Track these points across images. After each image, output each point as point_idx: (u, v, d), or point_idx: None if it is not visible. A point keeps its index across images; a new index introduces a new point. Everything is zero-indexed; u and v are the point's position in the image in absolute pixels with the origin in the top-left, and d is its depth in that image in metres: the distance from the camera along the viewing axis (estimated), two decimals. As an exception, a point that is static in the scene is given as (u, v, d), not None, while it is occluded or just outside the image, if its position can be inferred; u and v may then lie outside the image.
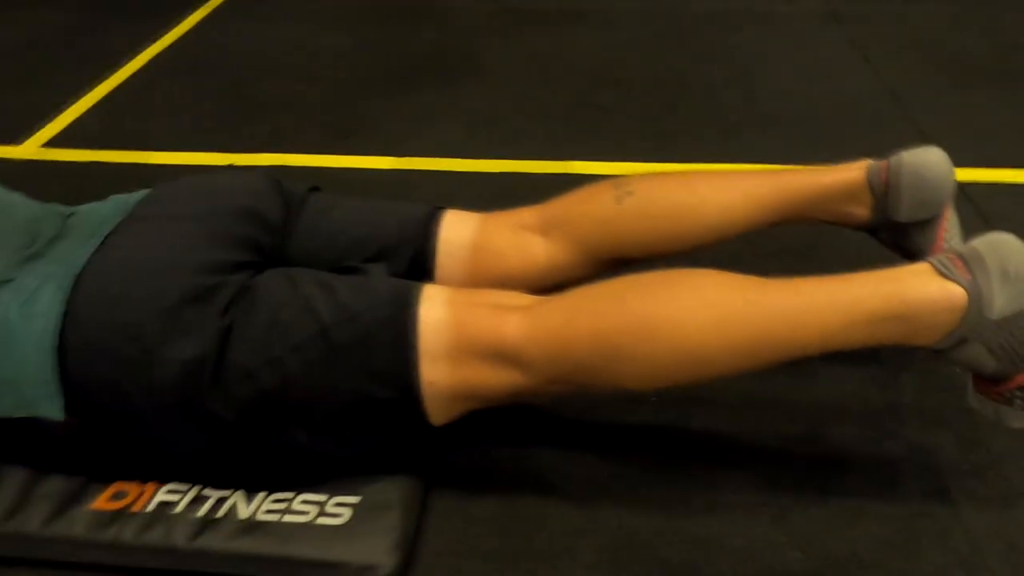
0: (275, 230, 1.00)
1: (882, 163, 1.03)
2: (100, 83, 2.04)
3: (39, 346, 0.83)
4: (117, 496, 0.90)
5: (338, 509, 0.88)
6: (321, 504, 0.89)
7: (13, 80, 2.11)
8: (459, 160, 1.66)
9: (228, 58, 2.19)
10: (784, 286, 0.83)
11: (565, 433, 1.03)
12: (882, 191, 1.03)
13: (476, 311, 0.87)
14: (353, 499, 0.89)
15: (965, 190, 1.47)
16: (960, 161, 1.52)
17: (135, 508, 0.89)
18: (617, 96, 1.90)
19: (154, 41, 2.27)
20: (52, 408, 0.85)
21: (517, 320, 0.85)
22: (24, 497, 0.90)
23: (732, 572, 0.85)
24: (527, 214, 1.06)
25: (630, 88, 1.93)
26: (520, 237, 1.04)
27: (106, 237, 0.91)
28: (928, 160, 1.02)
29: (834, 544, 0.87)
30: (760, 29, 2.21)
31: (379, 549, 0.84)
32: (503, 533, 0.90)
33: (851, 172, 1.04)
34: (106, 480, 0.92)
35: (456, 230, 1.04)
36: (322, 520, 0.87)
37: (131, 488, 0.91)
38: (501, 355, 0.84)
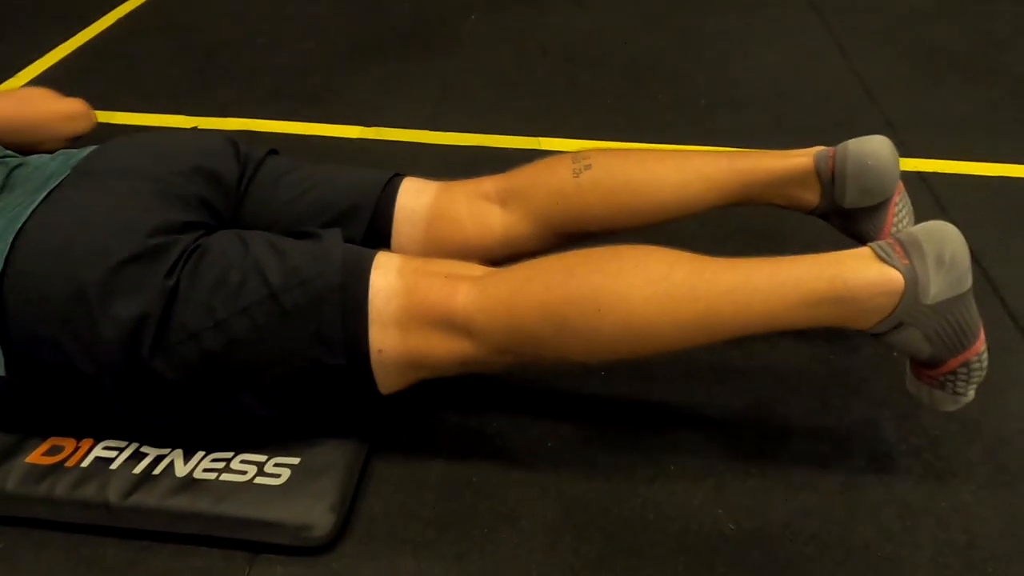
0: (229, 191, 0.99)
1: (829, 151, 1.04)
2: (68, 39, 1.99)
3: (-24, 299, 0.82)
4: (53, 451, 0.89)
5: (277, 470, 0.88)
6: (260, 464, 0.88)
7: (-20, 32, 2.06)
8: (427, 132, 1.64)
9: (200, 21, 2.14)
10: (730, 265, 0.84)
11: (514, 403, 1.03)
12: (828, 178, 1.04)
13: (427, 280, 0.86)
14: (293, 460, 0.89)
15: (926, 180, 1.48)
16: (923, 152, 1.56)
17: (70, 463, 0.88)
18: (592, 75, 1.89)
19: (126, 0, 2.23)
20: (-11, 363, 0.83)
21: (467, 289, 0.85)
22: (-43, 449, 0.89)
23: (667, 542, 0.86)
24: (486, 184, 1.05)
25: (606, 68, 1.92)
26: (478, 206, 1.03)
27: (51, 191, 0.89)
28: (872, 149, 1.02)
29: (769, 515, 0.89)
30: (741, 15, 2.20)
31: (316, 510, 0.84)
32: (447, 498, 0.90)
33: (800, 158, 1.05)
34: (43, 435, 0.91)
35: (414, 197, 1.03)
36: (260, 480, 0.87)
37: (67, 443, 0.90)
38: (450, 324, 0.84)
